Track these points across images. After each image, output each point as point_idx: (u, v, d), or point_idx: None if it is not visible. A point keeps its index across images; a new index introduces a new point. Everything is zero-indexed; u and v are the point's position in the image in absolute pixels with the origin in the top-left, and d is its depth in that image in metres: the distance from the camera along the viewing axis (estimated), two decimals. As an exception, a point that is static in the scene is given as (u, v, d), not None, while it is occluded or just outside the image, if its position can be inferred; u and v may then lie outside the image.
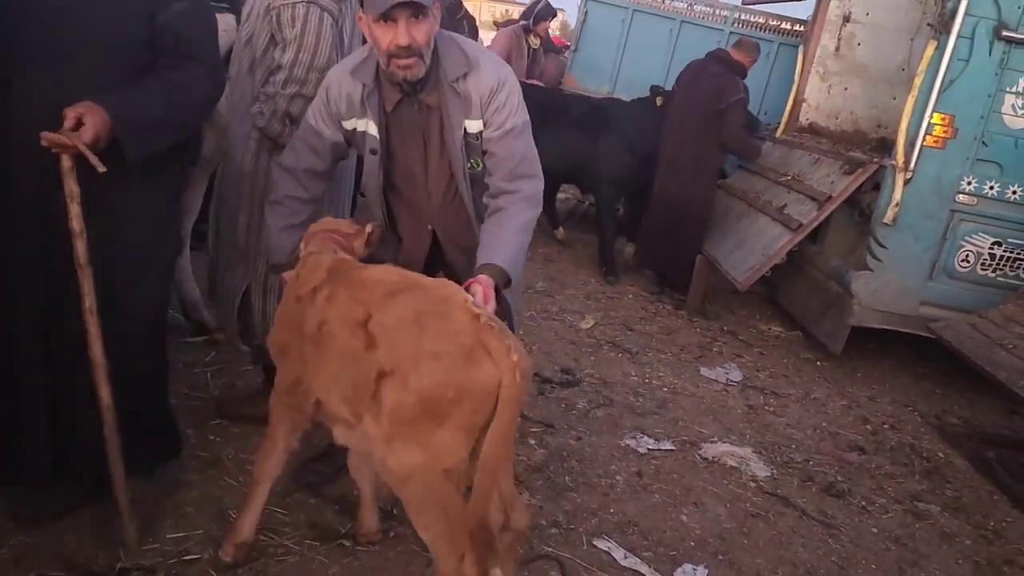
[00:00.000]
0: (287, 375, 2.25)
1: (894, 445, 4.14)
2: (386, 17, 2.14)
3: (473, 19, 7.35)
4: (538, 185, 2.43)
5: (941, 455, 4.12)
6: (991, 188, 4.68)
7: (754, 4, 8.31)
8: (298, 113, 2.69)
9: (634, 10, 7.97)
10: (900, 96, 5.67)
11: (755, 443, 3.84)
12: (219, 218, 2.99)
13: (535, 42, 7.80)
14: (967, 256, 4.79)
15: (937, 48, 4.50)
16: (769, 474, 3.55)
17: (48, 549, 2.27)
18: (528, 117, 2.43)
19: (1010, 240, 4.75)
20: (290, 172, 2.47)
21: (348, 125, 2.40)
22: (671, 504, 3.16)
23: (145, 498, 2.53)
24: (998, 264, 4.79)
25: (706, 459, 3.58)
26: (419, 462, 1.88)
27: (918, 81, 4.59)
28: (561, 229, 7.40)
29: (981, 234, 4.76)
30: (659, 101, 6.27)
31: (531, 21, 7.64)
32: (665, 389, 4.34)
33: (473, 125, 2.34)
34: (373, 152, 2.40)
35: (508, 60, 7.48)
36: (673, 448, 3.63)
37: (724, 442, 3.78)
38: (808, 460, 3.77)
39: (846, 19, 6.48)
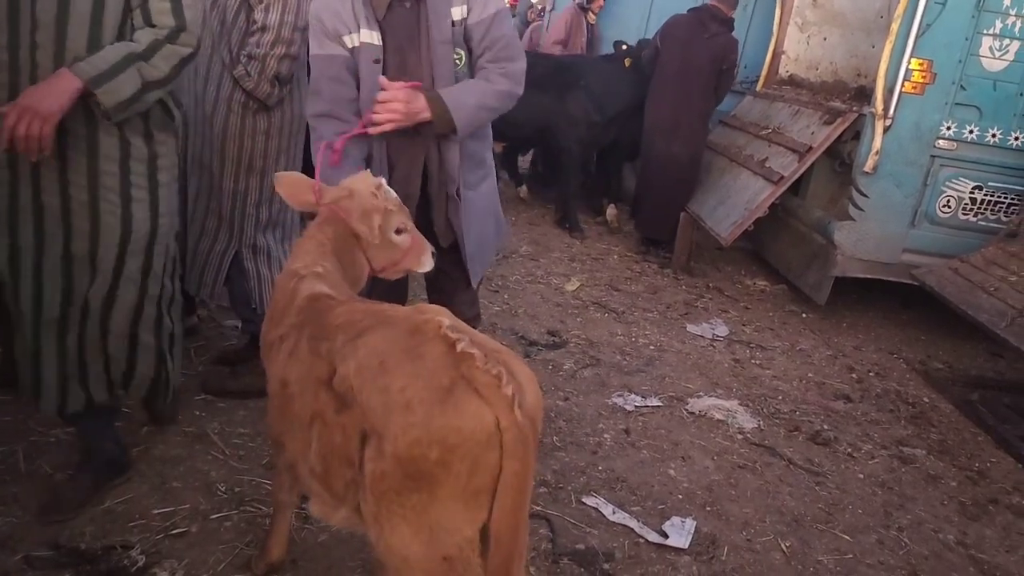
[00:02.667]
0: (275, 428, 1.92)
1: (879, 392, 4.17)
2: None
3: None
4: (522, 65, 2.45)
5: (926, 400, 4.16)
6: (971, 132, 4.67)
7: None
8: (287, 73, 2.74)
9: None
10: (879, 44, 5.61)
11: (741, 396, 3.86)
12: (184, 184, 2.93)
13: (592, 19, 7.88)
14: (948, 202, 4.79)
15: (913, -8, 4.46)
16: (756, 425, 3.58)
17: (34, 529, 2.27)
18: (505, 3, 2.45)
19: (990, 184, 4.75)
20: (325, 115, 2.36)
21: (348, 42, 2.33)
22: (659, 459, 3.18)
23: (131, 474, 2.53)
24: (979, 208, 4.80)
25: (693, 414, 3.60)
26: (413, 548, 1.50)
27: (895, 27, 4.55)
28: (524, 188, 7.41)
29: (962, 179, 4.76)
30: (627, 62, 6.22)
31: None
32: (652, 347, 4.35)
33: (457, 12, 2.34)
34: (376, 61, 2.32)
35: (568, 37, 7.58)
36: (660, 404, 3.65)
37: (711, 396, 3.80)
38: (794, 410, 3.80)
39: (823, -32, 6.41)
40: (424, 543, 1.48)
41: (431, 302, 2.60)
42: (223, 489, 2.55)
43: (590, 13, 7.81)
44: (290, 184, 2.10)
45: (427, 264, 2.17)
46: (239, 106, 2.80)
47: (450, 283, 2.65)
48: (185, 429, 2.85)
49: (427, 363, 1.49)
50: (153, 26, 2.06)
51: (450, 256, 2.56)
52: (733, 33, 5.79)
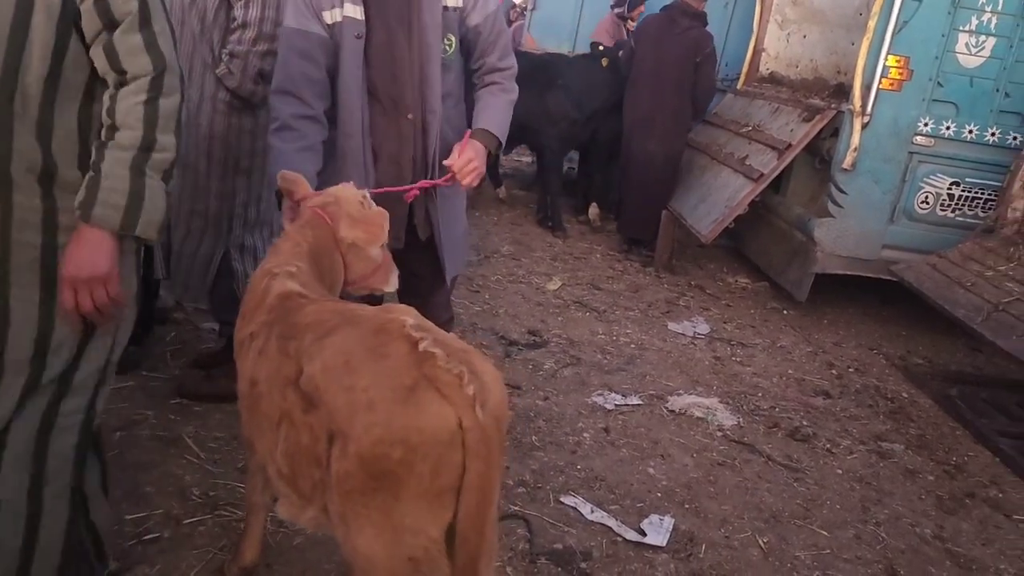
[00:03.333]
0: (245, 428, 1.91)
1: (859, 388, 4.19)
2: None
3: None
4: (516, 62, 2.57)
5: (905, 395, 4.18)
6: (948, 128, 4.70)
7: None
8: (270, 69, 2.65)
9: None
10: (858, 41, 5.62)
11: (721, 393, 3.87)
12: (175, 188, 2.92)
13: (632, 27, 7.73)
14: (926, 198, 4.82)
15: (890, -10, 4.48)
16: (735, 423, 3.58)
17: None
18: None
19: (968, 179, 4.79)
20: (285, 92, 2.31)
21: (329, 18, 2.29)
22: (638, 457, 3.18)
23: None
24: (957, 204, 4.83)
25: (673, 412, 3.60)
26: (377, 548, 1.48)
27: (872, 24, 4.57)
28: (503, 188, 7.38)
29: (939, 175, 4.79)
30: (605, 62, 6.23)
31: (626, 8, 7.57)
32: (632, 345, 4.36)
33: (451, 0, 2.37)
34: (358, 36, 2.30)
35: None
36: (640, 403, 3.65)
37: (691, 394, 3.81)
38: (774, 407, 3.81)
39: (802, -34, 6.43)
40: (389, 543, 1.46)
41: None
42: (197, 494, 2.53)
43: (629, 21, 7.69)
44: (289, 182, 2.09)
45: (393, 283, 2.18)
46: (223, 105, 2.78)
47: (424, 285, 2.65)
48: (159, 433, 2.83)
49: (390, 362, 1.47)
50: (124, 78, 1.61)
51: (424, 255, 2.56)
52: (707, 28, 5.81)
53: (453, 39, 2.40)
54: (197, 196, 2.87)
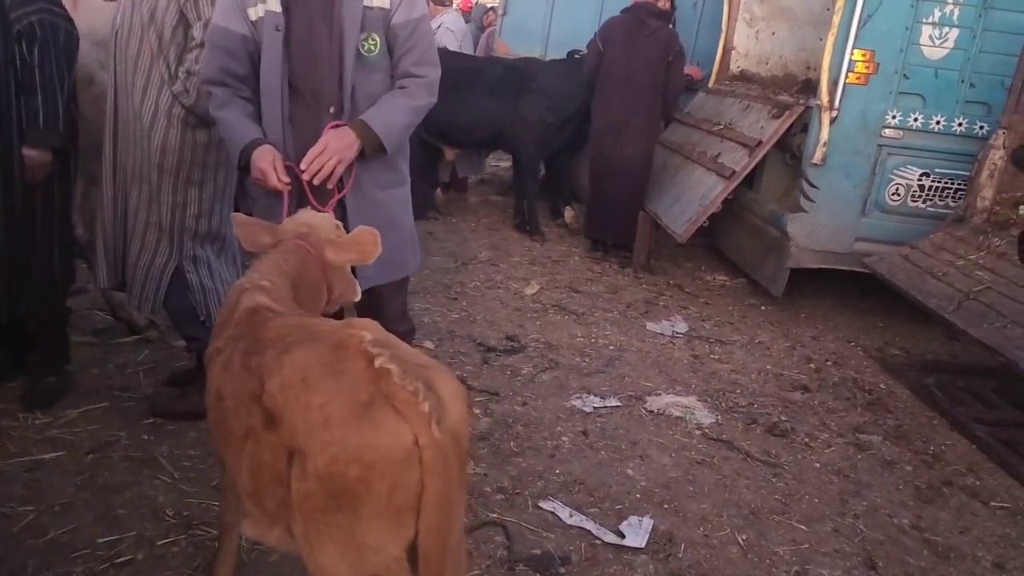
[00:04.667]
0: (215, 443, 1.90)
1: (837, 381, 4.21)
2: None
3: None
4: (438, 73, 2.53)
5: (883, 386, 4.20)
6: (915, 120, 4.74)
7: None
8: None
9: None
10: (826, 37, 5.69)
11: (700, 392, 3.88)
12: (124, 198, 2.93)
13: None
14: (897, 189, 4.86)
15: (853, -16, 4.52)
16: (714, 420, 3.59)
17: (-26, 566, 2.22)
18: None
19: (937, 170, 4.83)
20: (215, 81, 2.44)
21: (253, 14, 2.37)
22: (617, 459, 3.18)
23: (74, 503, 2.49)
24: (927, 195, 4.87)
25: (651, 412, 3.61)
26: (341, 567, 1.48)
27: (836, 19, 4.61)
28: (438, 191, 7.21)
29: (909, 166, 4.83)
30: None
31: None
32: (611, 347, 4.36)
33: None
34: (278, 29, 2.34)
35: None
36: (619, 404, 3.65)
37: (669, 394, 3.81)
38: (752, 403, 3.82)
39: (768, -37, 6.47)
40: (352, 562, 1.45)
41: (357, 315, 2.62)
42: (171, 514, 2.51)
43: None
44: (245, 227, 2.10)
45: (358, 292, 2.23)
46: (178, 120, 2.82)
47: (373, 297, 2.60)
48: (132, 454, 2.80)
49: (347, 379, 1.46)
50: None
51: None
52: (673, 26, 5.86)
53: (378, 39, 2.40)
54: (152, 208, 2.90)
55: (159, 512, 2.52)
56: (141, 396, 3.19)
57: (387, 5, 2.39)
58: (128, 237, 2.95)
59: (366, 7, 2.37)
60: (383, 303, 2.67)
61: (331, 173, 2.32)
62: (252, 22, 2.37)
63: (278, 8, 2.34)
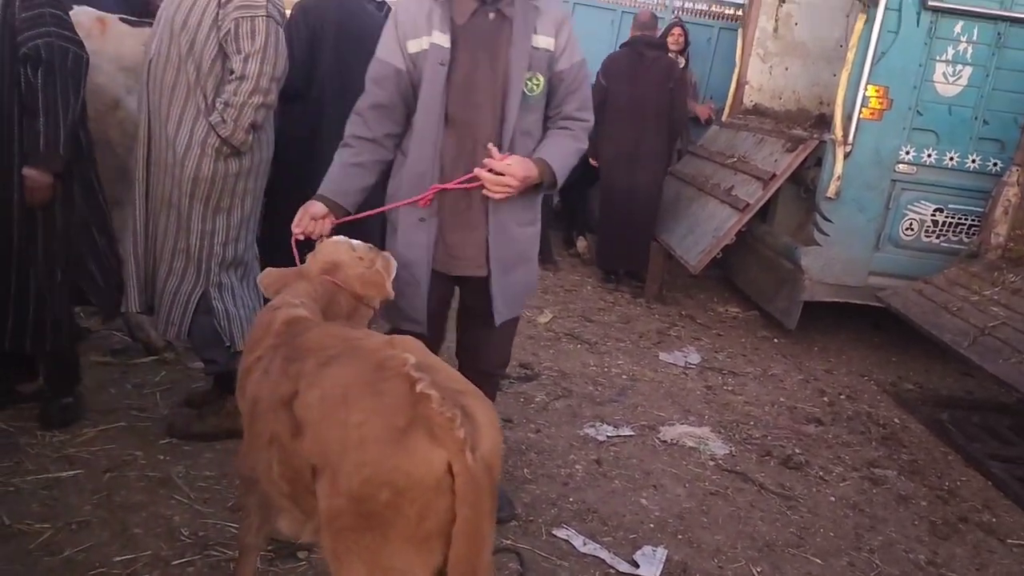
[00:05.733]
0: (245, 451, 1.92)
1: (851, 415, 4.20)
2: None
3: None
4: (593, 119, 2.58)
5: (897, 421, 4.19)
6: (929, 156, 4.77)
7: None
8: (262, 121, 2.86)
9: (575, 3, 7.99)
10: (839, 72, 5.75)
11: (714, 423, 3.87)
12: (154, 225, 2.96)
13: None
14: (911, 224, 4.87)
15: (867, 22, 4.58)
16: (728, 452, 3.58)
17: (-9, 582, 2.22)
18: None
19: (951, 206, 4.85)
20: (357, 113, 2.48)
21: (412, 47, 2.36)
22: (630, 488, 3.17)
23: (91, 522, 2.50)
24: (941, 230, 4.89)
25: (665, 442, 3.60)
26: None
27: (850, 55, 4.67)
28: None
29: (923, 202, 4.85)
30: None
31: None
32: (624, 376, 4.36)
33: (542, 40, 2.38)
34: (442, 64, 2.33)
35: None
36: (632, 434, 3.65)
37: (683, 424, 3.81)
38: (766, 435, 3.81)
39: (782, 0, 6.56)
40: None
41: (460, 344, 2.77)
42: (186, 534, 2.51)
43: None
44: (272, 276, 2.15)
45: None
46: (212, 150, 2.84)
47: (476, 323, 2.64)
48: (148, 474, 2.81)
49: (386, 400, 1.47)
50: None
51: (479, 290, 2.56)
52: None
53: (541, 79, 2.41)
54: (180, 235, 2.92)
55: (175, 532, 2.52)
56: (158, 416, 3.20)
57: (552, 48, 2.40)
58: (156, 262, 2.98)
59: (533, 48, 2.37)
60: (485, 332, 2.63)
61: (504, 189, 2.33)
62: (411, 55, 2.36)
63: (446, 43, 2.33)
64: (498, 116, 2.39)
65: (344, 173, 2.45)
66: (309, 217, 2.38)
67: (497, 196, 2.33)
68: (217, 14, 2.75)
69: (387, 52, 2.41)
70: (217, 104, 2.81)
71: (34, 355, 3.09)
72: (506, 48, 2.35)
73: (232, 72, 2.79)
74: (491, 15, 2.36)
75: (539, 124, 2.50)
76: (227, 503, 2.69)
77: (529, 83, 2.38)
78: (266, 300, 2.14)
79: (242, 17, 2.74)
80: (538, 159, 2.40)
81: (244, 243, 3.05)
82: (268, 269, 2.19)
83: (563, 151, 2.47)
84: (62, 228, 2.91)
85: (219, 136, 2.82)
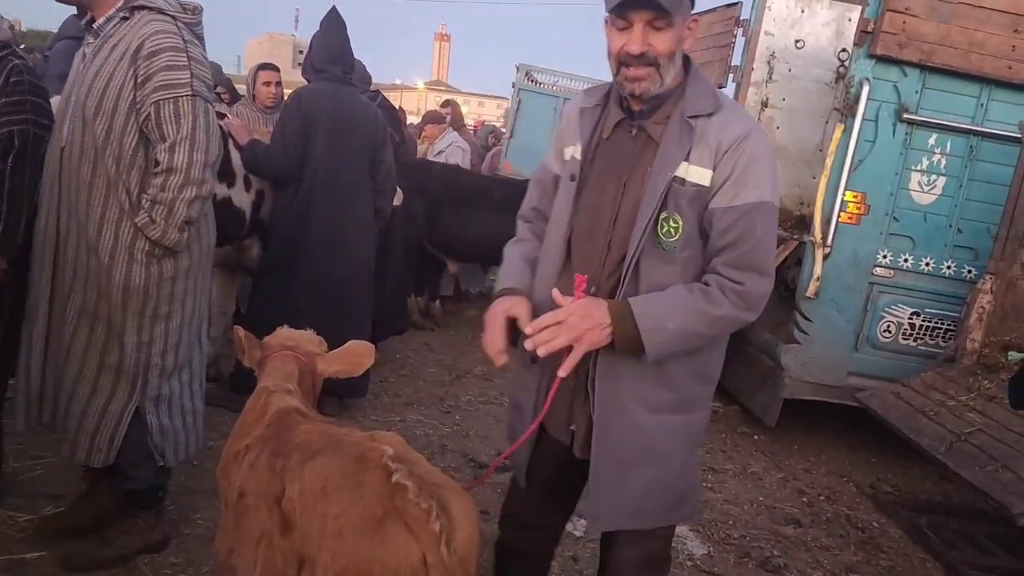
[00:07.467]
0: (228, 543, 1.86)
1: (830, 517, 4.17)
2: (619, 16, 1.78)
3: (393, 108, 7.07)
4: (765, 285, 1.83)
5: (876, 525, 4.16)
6: (905, 261, 4.88)
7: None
8: (196, 216, 2.52)
9: (564, 98, 8.27)
10: (819, 175, 5.94)
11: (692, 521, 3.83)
12: (69, 338, 2.57)
13: None
14: (888, 327, 4.95)
15: (845, 130, 4.75)
16: (706, 552, 3.54)
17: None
18: (778, 198, 1.88)
19: (928, 310, 4.94)
20: (523, 216, 2.28)
21: (567, 154, 2.04)
22: (606, 588, 3.11)
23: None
24: (918, 333, 4.96)
25: (642, 540, 3.55)
26: None
27: (829, 161, 4.82)
28: (437, 303, 7.24)
29: (900, 305, 4.94)
30: None
31: None
32: (603, 469, 4.32)
33: (695, 173, 1.81)
34: (572, 178, 1.97)
35: None
36: (610, 530, 3.59)
37: (661, 521, 3.76)
38: (745, 536, 3.77)
39: (764, 105, 6.80)
40: None
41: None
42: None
43: None
44: (246, 340, 2.17)
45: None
46: (142, 254, 2.49)
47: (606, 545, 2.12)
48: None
49: (364, 492, 1.50)
50: None
51: (576, 473, 2.04)
52: None
53: (679, 223, 1.81)
54: (109, 350, 2.56)
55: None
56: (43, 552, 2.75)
57: (707, 183, 1.80)
58: (70, 381, 2.57)
59: (675, 178, 1.81)
60: (610, 555, 2.07)
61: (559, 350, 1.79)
62: (565, 162, 2.04)
63: (579, 155, 1.97)
64: (614, 261, 1.89)
65: (523, 266, 2.11)
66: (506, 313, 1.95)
67: (542, 351, 1.77)
68: (134, 96, 2.40)
69: (550, 156, 2.17)
70: (143, 201, 2.45)
71: None
72: (641, 177, 1.86)
73: (158, 163, 2.44)
74: (632, 131, 1.91)
75: (683, 281, 1.85)
76: None
77: (664, 225, 1.82)
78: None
79: (163, 100, 2.39)
80: (621, 302, 1.79)
81: (187, 345, 2.72)
82: (240, 330, 2.17)
83: (670, 305, 1.78)
84: (9, 313, 2.71)
85: (148, 239, 2.47)
